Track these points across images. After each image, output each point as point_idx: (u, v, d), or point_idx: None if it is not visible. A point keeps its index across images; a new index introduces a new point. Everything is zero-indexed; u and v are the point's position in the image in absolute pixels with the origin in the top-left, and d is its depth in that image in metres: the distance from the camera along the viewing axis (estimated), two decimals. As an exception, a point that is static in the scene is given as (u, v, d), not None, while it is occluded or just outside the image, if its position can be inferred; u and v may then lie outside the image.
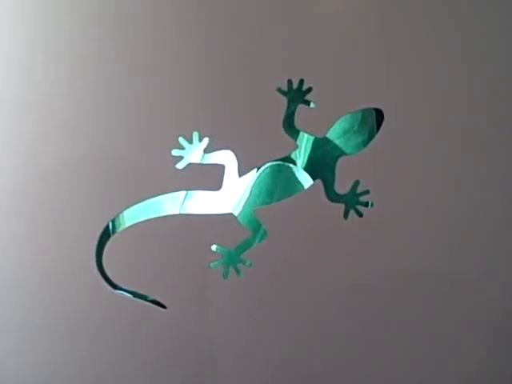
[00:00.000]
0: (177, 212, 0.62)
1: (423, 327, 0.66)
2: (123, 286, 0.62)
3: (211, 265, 0.62)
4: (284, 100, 0.61)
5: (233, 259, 0.62)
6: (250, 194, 0.62)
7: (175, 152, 0.61)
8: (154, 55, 0.61)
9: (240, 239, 0.62)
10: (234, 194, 0.62)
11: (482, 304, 0.67)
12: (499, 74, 0.63)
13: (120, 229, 0.62)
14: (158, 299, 0.63)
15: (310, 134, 0.62)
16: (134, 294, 0.62)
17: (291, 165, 0.62)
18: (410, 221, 0.64)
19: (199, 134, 0.61)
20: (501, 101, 0.64)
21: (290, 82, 0.61)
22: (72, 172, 0.62)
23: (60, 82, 0.61)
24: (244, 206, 0.62)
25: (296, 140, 0.62)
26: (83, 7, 0.60)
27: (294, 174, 0.62)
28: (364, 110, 0.62)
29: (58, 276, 0.63)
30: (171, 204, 0.61)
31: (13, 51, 0.60)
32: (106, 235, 0.62)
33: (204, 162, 0.61)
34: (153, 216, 0.62)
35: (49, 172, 0.61)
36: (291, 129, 0.61)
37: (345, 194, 0.62)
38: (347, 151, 0.62)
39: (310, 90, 0.61)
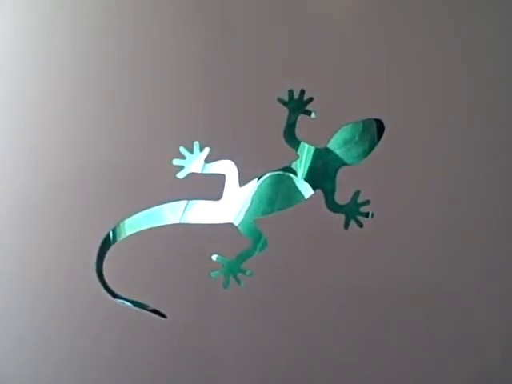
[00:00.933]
0: (177, 221, 0.62)
1: (425, 331, 0.66)
2: (123, 295, 0.62)
3: (212, 274, 0.62)
4: (285, 110, 0.61)
5: (233, 269, 0.62)
6: (251, 204, 0.62)
7: (176, 162, 0.61)
8: (156, 66, 0.61)
9: (240, 249, 0.62)
10: (235, 203, 0.62)
11: (481, 307, 0.66)
12: (499, 74, 0.63)
13: (121, 238, 0.62)
14: (158, 309, 0.63)
15: (311, 144, 0.62)
16: (134, 303, 0.62)
17: (292, 175, 0.62)
18: (410, 229, 0.64)
19: (200, 144, 0.61)
20: (501, 103, 0.64)
21: (290, 93, 0.61)
22: (73, 181, 0.62)
23: (61, 93, 0.61)
24: (244, 216, 0.62)
25: (297, 150, 0.62)
26: (84, 16, 0.61)
27: (294, 184, 0.62)
28: (365, 121, 0.62)
29: (58, 284, 0.63)
30: (172, 213, 0.62)
31: (13, 60, 0.61)
32: (106, 244, 0.62)
33: (205, 171, 0.61)
34: (153, 225, 0.62)
35: (50, 181, 0.62)
36: (292, 139, 0.62)
37: (345, 204, 0.62)
38: (348, 161, 0.62)
39: (310, 100, 0.61)
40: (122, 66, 0.61)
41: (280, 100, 0.61)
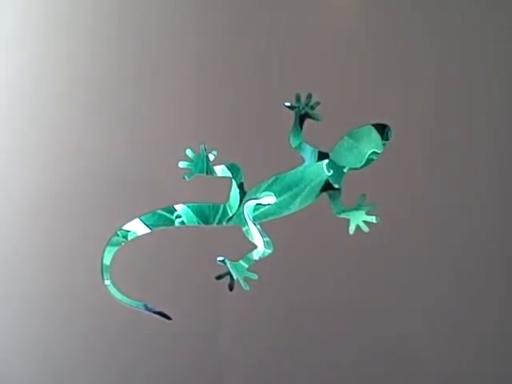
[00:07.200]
0: (185, 224, 0.62)
1: (437, 341, 0.66)
2: (130, 297, 0.62)
3: (216, 277, 0.62)
4: (292, 113, 0.61)
5: (239, 271, 0.62)
6: (257, 207, 0.62)
7: (183, 164, 0.61)
8: (163, 69, 0.62)
9: (246, 252, 0.62)
10: (241, 206, 0.62)
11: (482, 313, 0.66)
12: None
13: (128, 240, 0.62)
14: (164, 310, 0.63)
15: (317, 148, 0.62)
16: (141, 306, 0.62)
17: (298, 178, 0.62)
18: (417, 233, 0.64)
19: (206, 147, 0.61)
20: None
21: (297, 96, 0.61)
22: (85, 184, 0.63)
23: (74, 98, 0.62)
24: (250, 219, 0.62)
25: (303, 154, 0.62)
26: (86, 27, 0.62)
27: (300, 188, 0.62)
28: (372, 125, 0.61)
29: (72, 290, 0.64)
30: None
31: (18, 65, 0.62)
32: (114, 246, 0.62)
33: (211, 174, 0.62)
34: (160, 228, 0.62)
35: (63, 185, 0.63)
36: (298, 143, 0.62)
37: (351, 208, 0.62)
38: (354, 165, 0.62)
39: (317, 104, 0.61)
40: (127, 70, 0.62)
41: (286, 104, 0.61)
